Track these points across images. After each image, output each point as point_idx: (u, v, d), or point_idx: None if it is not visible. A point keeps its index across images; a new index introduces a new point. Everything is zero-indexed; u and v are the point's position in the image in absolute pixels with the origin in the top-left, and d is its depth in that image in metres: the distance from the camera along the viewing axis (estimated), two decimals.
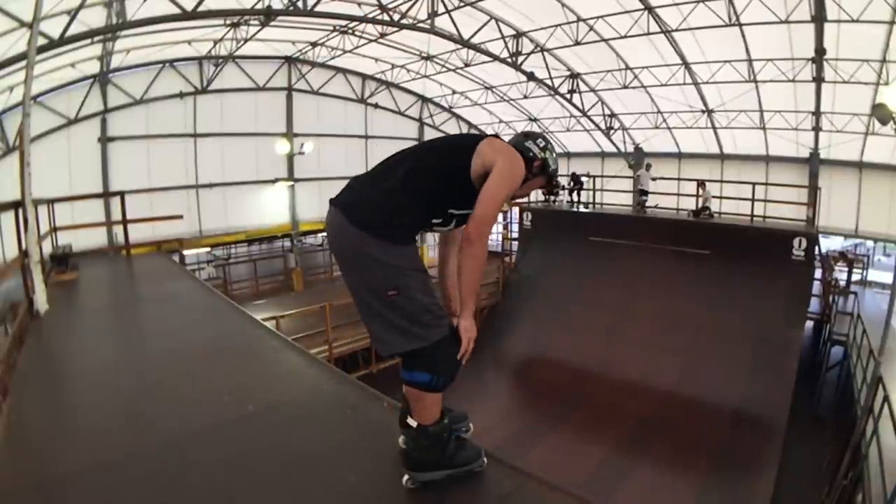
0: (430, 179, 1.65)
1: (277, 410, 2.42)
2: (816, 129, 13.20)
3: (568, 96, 15.12)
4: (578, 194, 13.79)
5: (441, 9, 11.20)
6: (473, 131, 21.62)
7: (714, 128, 15.43)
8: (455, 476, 1.80)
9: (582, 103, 15.41)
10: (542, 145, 1.83)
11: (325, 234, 19.66)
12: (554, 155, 1.87)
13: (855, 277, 13.01)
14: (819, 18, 9.58)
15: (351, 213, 1.63)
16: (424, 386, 1.65)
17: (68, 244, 6.13)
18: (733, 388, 8.29)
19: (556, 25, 12.24)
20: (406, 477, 1.76)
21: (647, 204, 12.61)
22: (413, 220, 1.65)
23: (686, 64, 13.03)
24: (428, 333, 1.62)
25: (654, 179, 13.00)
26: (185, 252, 8.69)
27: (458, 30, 11.59)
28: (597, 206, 14.02)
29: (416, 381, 1.65)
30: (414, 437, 1.72)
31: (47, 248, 5.42)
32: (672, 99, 14.63)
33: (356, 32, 13.66)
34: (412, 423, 1.71)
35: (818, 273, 10.69)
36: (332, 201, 1.70)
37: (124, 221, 6.62)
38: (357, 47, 14.55)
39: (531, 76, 13.68)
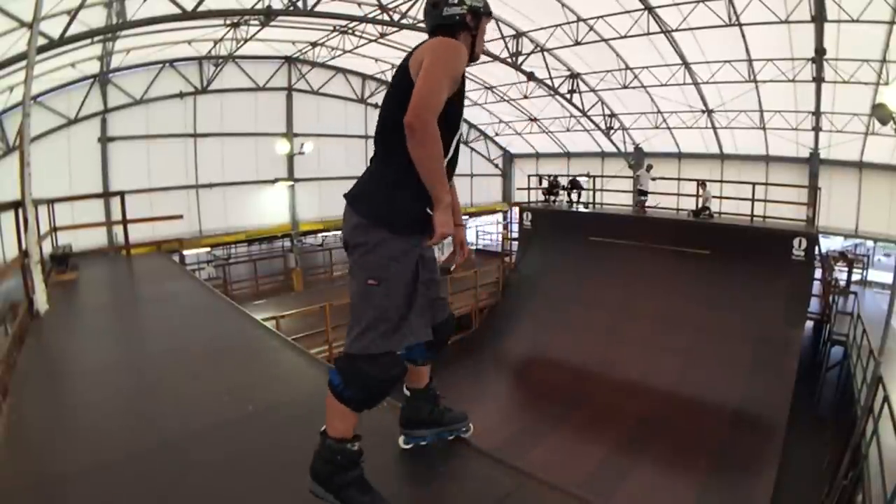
0: (397, 131, 1.46)
1: (277, 410, 2.42)
2: (816, 129, 13.21)
3: (568, 96, 15.12)
4: (578, 196, 13.80)
5: None
6: (473, 131, 21.64)
7: (714, 128, 15.44)
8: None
9: (582, 103, 15.42)
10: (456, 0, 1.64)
11: (325, 233, 19.71)
12: None
13: (855, 277, 12.99)
14: (819, 18, 9.59)
15: (353, 200, 1.59)
16: (332, 388, 1.54)
17: (68, 244, 6.13)
18: (733, 388, 8.29)
19: (556, 25, 12.25)
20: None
21: (647, 204, 12.61)
22: (412, 194, 1.51)
23: (686, 64, 13.03)
24: (366, 341, 1.51)
25: (653, 179, 13.01)
26: (185, 252, 8.70)
27: None
28: (597, 206, 14.02)
29: (331, 380, 1.56)
30: (319, 440, 1.59)
31: (47, 248, 5.43)
32: (672, 99, 14.64)
33: (356, 32, 13.66)
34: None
35: (818, 273, 10.69)
36: (344, 195, 1.65)
37: (124, 221, 6.62)
38: (357, 47, 14.56)
39: (531, 76, 13.68)
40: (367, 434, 2.12)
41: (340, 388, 1.52)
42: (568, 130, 18.95)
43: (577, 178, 14.06)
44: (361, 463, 1.58)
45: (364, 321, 1.52)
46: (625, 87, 14.59)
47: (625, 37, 12.01)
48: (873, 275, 15.73)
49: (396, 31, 12.57)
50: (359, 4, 11.40)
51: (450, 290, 11.05)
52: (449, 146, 1.59)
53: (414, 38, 14.08)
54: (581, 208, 13.61)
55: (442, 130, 1.47)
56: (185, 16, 8.27)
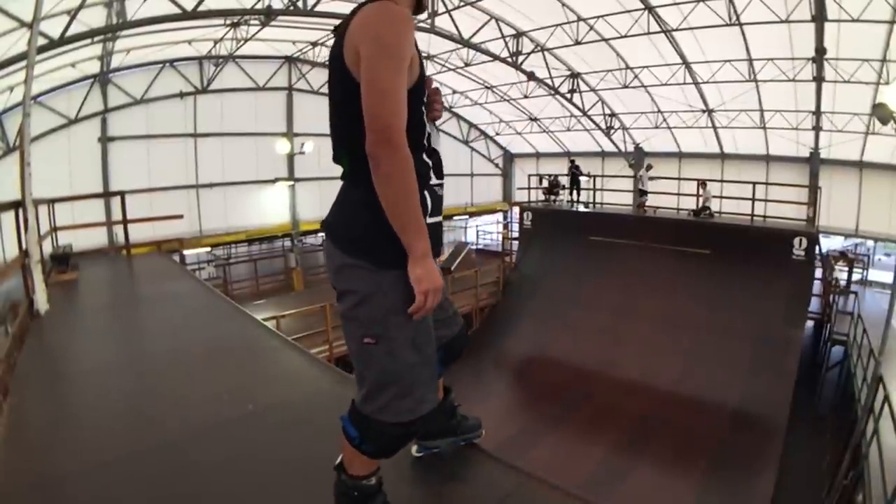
0: (355, 145, 1.17)
1: (277, 410, 2.42)
2: (817, 128, 13.20)
3: (568, 96, 15.12)
4: (578, 193, 13.78)
5: (441, 8, 11.21)
6: (474, 131, 21.64)
7: (714, 127, 15.44)
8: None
9: (582, 103, 15.41)
10: None
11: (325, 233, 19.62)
12: None
13: (855, 277, 12.99)
14: (819, 18, 9.58)
15: (330, 230, 1.32)
16: (350, 441, 1.36)
17: (68, 244, 6.13)
18: (733, 388, 8.29)
19: (557, 25, 12.25)
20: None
21: (647, 203, 12.61)
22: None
23: (686, 63, 13.03)
24: (379, 403, 1.29)
25: (651, 179, 12.98)
26: (186, 252, 8.69)
27: (458, 29, 11.59)
28: (597, 206, 14.02)
29: (345, 429, 1.37)
30: (336, 474, 1.45)
31: (47, 248, 5.42)
32: (672, 98, 14.64)
33: None
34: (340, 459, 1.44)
35: (818, 273, 10.69)
36: (321, 223, 1.38)
37: (124, 221, 6.61)
38: None
39: (531, 76, 13.69)
40: None
41: (358, 443, 1.34)
42: (568, 130, 18.94)
43: (577, 164, 13.92)
44: (381, 490, 1.45)
45: (367, 382, 1.30)
46: (625, 86, 14.58)
47: (625, 36, 12.00)
48: (874, 274, 15.73)
49: None
50: None
51: (451, 290, 11.05)
52: (425, 141, 1.32)
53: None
54: (581, 208, 13.60)
55: (411, 127, 1.18)
56: (185, 16, 8.27)
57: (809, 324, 10.30)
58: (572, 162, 14.13)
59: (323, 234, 1.38)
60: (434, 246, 1.26)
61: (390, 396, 1.27)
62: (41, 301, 3.95)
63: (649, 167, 13.38)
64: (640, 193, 12.65)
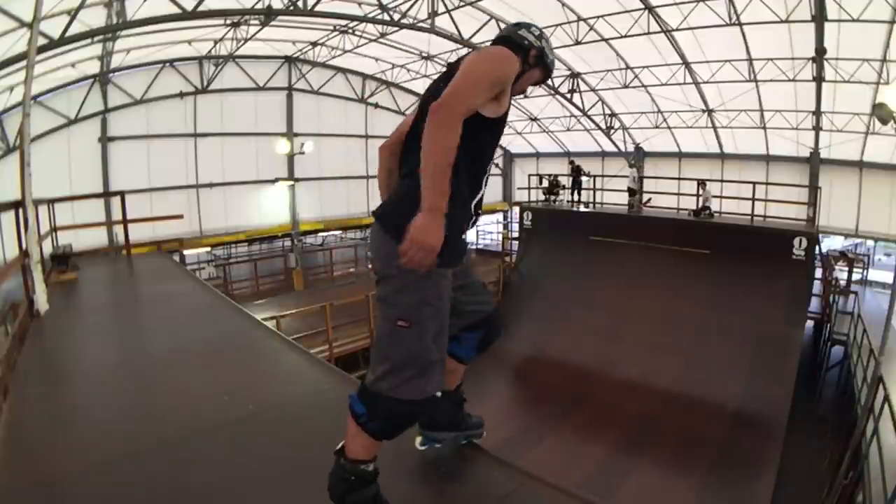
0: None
1: (277, 410, 2.42)
2: (817, 128, 13.20)
3: (568, 96, 15.12)
4: (579, 193, 13.78)
5: (441, 8, 11.20)
6: None
7: (714, 127, 15.44)
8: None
9: (582, 103, 15.41)
10: (536, 34, 1.63)
11: (325, 233, 19.71)
12: (550, 45, 1.67)
13: (855, 277, 12.99)
14: (819, 18, 9.58)
15: (382, 219, 1.47)
16: (354, 417, 1.46)
17: (68, 244, 6.12)
18: (733, 388, 8.28)
19: (557, 25, 12.24)
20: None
21: (644, 203, 12.62)
22: (457, 203, 1.41)
23: (686, 63, 13.03)
24: (393, 382, 1.41)
25: (636, 178, 12.89)
26: (186, 252, 8.71)
27: (458, 29, 11.58)
28: (597, 206, 14.02)
29: (352, 406, 1.47)
30: (335, 458, 1.52)
31: (47, 248, 5.42)
32: (672, 98, 14.64)
33: (356, 32, 13.66)
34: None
35: (818, 273, 10.68)
36: (373, 212, 1.54)
37: (124, 221, 6.61)
38: (357, 47, 14.55)
39: None
40: None
41: (364, 420, 1.44)
42: (568, 130, 18.95)
43: (579, 165, 13.93)
44: (377, 482, 1.52)
45: (390, 361, 1.42)
46: (625, 86, 14.59)
47: (625, 36, 12.00)
48: (873, 274, 15.74)
49: (396, 31, 12.58)
50: (359, 4, 11.40)
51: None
52: (480, 179, 1.53)
53: (414, 38, 14.13)
54: (581, 208, 13.60)
55: (474, 155, 1.43)
56: (185, 16, 8.27)
57: (809, 324, 10.30)
58: (573, 163, 14.12)
59: (371, 221, 1.54)
60: (455, 256, 1.46)
61: (408, 376, 1.40)
62: (41, 301, 3.95)
63: (632, 166, 13.40)
64: (630, 193, 12.63)
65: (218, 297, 4.88)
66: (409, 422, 1.49)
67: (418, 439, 1.90)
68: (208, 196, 15.12)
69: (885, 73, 10.65)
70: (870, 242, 17.22)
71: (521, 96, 17.11)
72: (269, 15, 9.77)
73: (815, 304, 10.46)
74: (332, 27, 13.43)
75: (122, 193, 6.81)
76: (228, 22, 11.70)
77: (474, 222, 1.60)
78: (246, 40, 12.56)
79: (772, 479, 6.77)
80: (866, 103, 11.52)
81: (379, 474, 1.52)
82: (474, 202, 1.55)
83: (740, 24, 10.68)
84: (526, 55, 1.59)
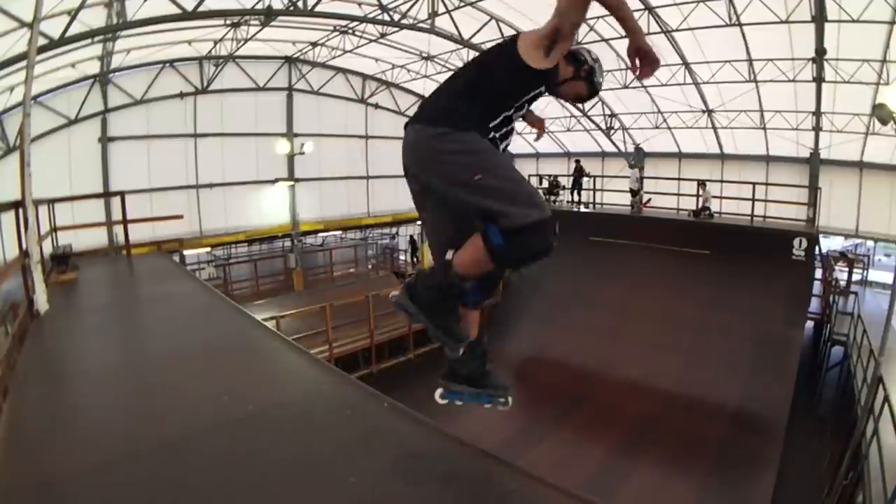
0: (478, 78, 1.68)
1: (277, 410, 2.42)
2: (817, 129, 13.20)
3: None
4: (579, 194, 13.79)
5: (441, 9, 11.21)
6: None
7: (714, 128, 15.44)
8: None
9: (582, 103, 15.40)
10: (594, 56, 1.91)
11: (325, 233, 19.70)
12: (602, 71, 1.94)
13: (855, 277, 13.01)
14: (819, 18, 9.59)
15: (418, 115, 1.69)
16: (491, 248, 1.55)
17: (68, 244, 6.12)
18: (733, 388, 8.29)
19: None
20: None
21: (644, 203, 12.63)
22: (475, 108, 1.65)
23: (686, 64, 13.03)
24: (525, 214, 1.53)
25: (640, 179, 12.93)
26: (186, 252, 8.71)
27: (458, 30, 11.59)
28: (597, 206, 14.02)
29: (489, 236, 1.55)
30: (430, 272, 1.66)
31: (47, 248, 5.42)
32: (672, 99, 14.64)
33: (356, 32, 13.66)
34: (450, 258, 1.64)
35: (818, 273, 10.69)
36: (411, 119, 1.72)
37: (124, 221, 6.61)
38: (357, 47, 14.55)
39: None
40: (368, 435, 2.12)
41: (501, 251, 1.54)
42: (568, 130, 18.94)
43: (581, 166, 13.95)
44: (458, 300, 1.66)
45: (503, 202, 1.53)
46: (625, 86, 14.59)
47: (625, 36, 11.89)
48: (873, 275, 15.75)
49: (396, 31, 12.57)
50: (359, 4, 11.40)
51: None
52: (494, 112, 1.69)
53: (414, 39, 14.12)
54: (582, 208, 13.61)
55: (497, 88, 1.67)
56: (185, 16, 8.28)
57: (809, 324, 10.30)
58: (578, 162, 14.14)
59: (405, 130, 1.72)
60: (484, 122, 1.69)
61: (525, 201, 1.55)
62: (41, 301, 3.95)
63: (632, 167, 13.41)
64: (633, 193, 12.64)
65: (218, 297, 4.88)
66: (537, 254, 1.61)
67: (438, 392, 1.89)
68: (208, 196, 15.12)
69: (884, 74, 10.65)
70: (870, 243, 17.22)
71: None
72: (269, 15, 9.77)
73: (815, 304, 10.47)
74: (332, 27, 13.43)
75: (122, 193, 6.81)
76: (228, 22, 11.71)
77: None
78: (246, 40, 12.56)
79: (772, 479, 6.77)
80: (866, 104, 11.52)
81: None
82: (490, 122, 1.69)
83: (740, 25, 10.69)
84: (579, 67, 1.86)
